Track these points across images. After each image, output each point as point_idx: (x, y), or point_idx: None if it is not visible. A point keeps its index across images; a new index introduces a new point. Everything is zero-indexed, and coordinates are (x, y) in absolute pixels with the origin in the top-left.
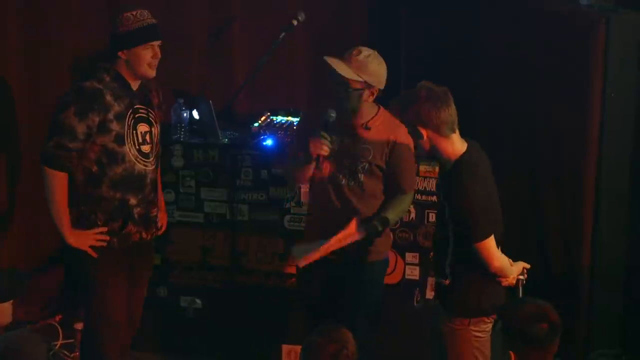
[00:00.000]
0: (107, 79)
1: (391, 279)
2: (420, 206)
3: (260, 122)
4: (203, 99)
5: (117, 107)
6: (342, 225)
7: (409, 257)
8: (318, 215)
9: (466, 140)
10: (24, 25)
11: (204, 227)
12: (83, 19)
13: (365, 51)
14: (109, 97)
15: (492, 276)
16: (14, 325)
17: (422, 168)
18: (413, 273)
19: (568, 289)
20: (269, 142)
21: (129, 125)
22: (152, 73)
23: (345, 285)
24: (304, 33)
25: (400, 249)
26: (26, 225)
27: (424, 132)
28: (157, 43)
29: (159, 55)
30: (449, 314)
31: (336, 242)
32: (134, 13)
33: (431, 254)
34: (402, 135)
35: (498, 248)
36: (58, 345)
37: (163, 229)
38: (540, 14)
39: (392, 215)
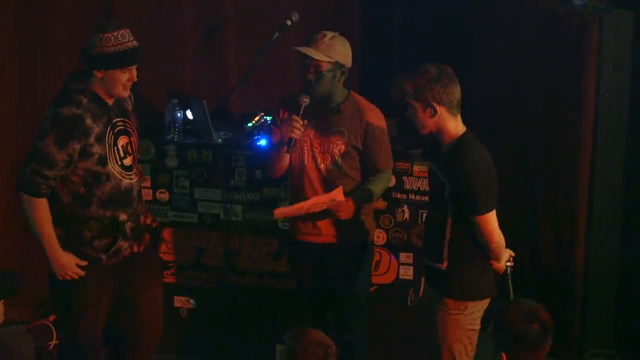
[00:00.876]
0: (85, 101)
1: (385, 279)
2: (414, 206)
3: (254, 122)
4: (197, 99)
5: (97, 129)
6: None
7: (403, 257)
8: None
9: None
10: (18, 26)
11: (197, 227)
12: (76, 20)
13: (329, 34)
14: (88, 121)
15: (487, 259)
16: (6, 325)
17: (416, 168)
18: (407, 273)
19: (562, 289)
20: (262, 142)
21: (109, 144)
22: (125, 94)
23: (332, 268)
24: (298, 33)
25: (394, 249)
26: (18, 225)
27: (438, 108)
28: (135, 66)
29: (135, 79)
30: (445, 298)
31: (319, 201)
32: (115, 34)
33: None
34: (375, 116)
35: None
36: (52, 346)
37: (154, 224)
38: (534, 14)
39: (375, 188)
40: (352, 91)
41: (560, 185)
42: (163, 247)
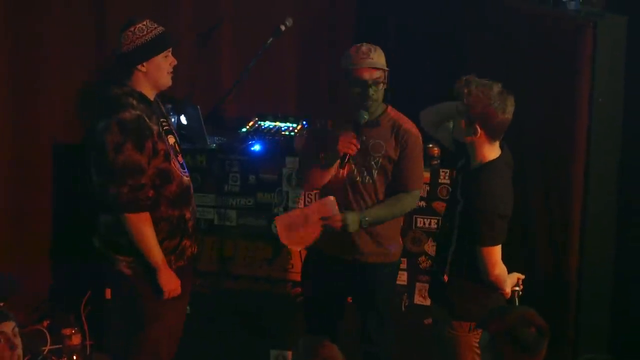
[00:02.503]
0: (135, 102)
1: None
2: (409, 212)
3: (248, 127)
4: (191, 104)
5: (155, 127)
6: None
7: None
8: None
9: (502, 145)
10: (10, 27)
11: None
12: (69, 23)
13: (371, 45)
14: (147, 120)
15: (489, 285)
16: None
17: None
18: (401, 278)
19: (556, 294)
20: (257, 147)
21: (166, 141)
22: (170, 81)
23: (352, 287)
24: (292, 38)
25: None
26: (15, 228)
27: (479, 130)
28: (170, 50)
29: (175, 62)
30: (450, 318)
31: (315, 211)
32: (144, 23)
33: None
34: (413, 133)
35: None
36: (46, 351)
37: None
38: (528, 19)
39: (384, 209)
40: (389, 105)
41: (555, 192)
42: None
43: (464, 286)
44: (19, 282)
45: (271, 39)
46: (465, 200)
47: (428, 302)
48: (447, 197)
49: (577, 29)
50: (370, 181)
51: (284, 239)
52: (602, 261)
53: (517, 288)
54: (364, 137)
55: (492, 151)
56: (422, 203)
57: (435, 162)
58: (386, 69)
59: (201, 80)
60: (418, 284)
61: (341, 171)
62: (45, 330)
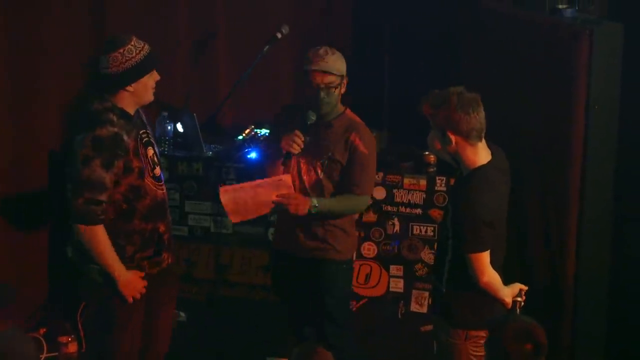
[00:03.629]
0: (115, 118)
1: (376, 292)
2: (404, 219)
3: (244, 135)
4: (187, 112)
5: (132, 143)
6: (302, 220)
7: (393, 269)
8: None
9: (494, 149)
10: (8, 30)
11: (188, 240)
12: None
13: (329, 49)
14: (125, 138)
15: (483, 291)
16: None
17: (406, 181)
18: (397, 286)
19: (553, 300)
20: (253, 155)
21: (143, 156)
22: (152, 97)
23: (308, 285)
24: (288, 46)
25: (385, 261)
26: (8, 237)
27: (452, 137)
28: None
29: (159, 78)
30: (447, 325)
31: (264, 182)
32: (132, 44)
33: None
34: (365, 140)
35: (499, 274)
36: (42, 359)
37: None
38: (524, 26)
39: (335, 203)
40: (348, 109)
41: (551, 197)
42: None
43: (461, 294)
44: (14, 290)
45: (267, 47)
46: (452, 207)
47: (424, 310)
48: (443, 205)
49: (574, 37)
50: (317, 180)
51: (227, 209)
52: (599, 267)
53: (519, 299)
54: (315, 138)
55: (477, 155)
56: (419, 210)
57: (432, 169)
58: (341, 74)
59: (197, 88)
60: (414, 292)
61: (287, 169)
62: (42, 338)
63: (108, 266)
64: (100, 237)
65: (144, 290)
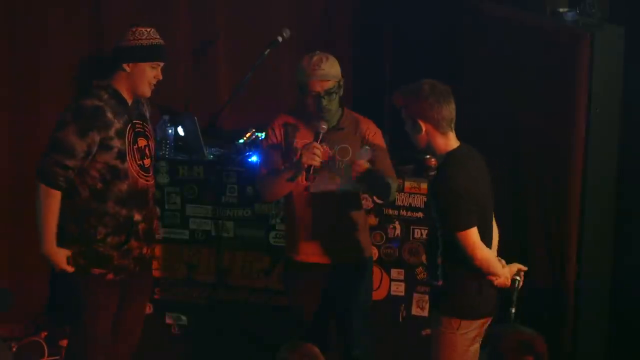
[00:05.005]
0: (105, 96)
1: (377, 295)
2: (405, 222)
3: (245, 138)
4: (188, 116)
5: (117, 124)
6: (342, 226)
7: (394, 273)
8: (310, 223)
9: (461, 143)
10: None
11: (189, 244)
12: (68, 35)
13: (323, 54)
14: (109, 115)
15: (483, 275)
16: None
17: (407, 184)
18: (398, 289)
19: (554, 304)
20: (254, 158)
21: (129, 141)
22: (149, 93)
23: (338, 288)
24: (289, 49)
25: (386, 265)
26: (7, 241)
27: (423, 126)
28: (162, 64)
29: (160, 77)
30: (438, 315)
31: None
32: (148, 30)
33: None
34: (372, 125)
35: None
36: None
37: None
38: (526, 30)
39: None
40: (345, 107)
41: (552, 201)
42: (154, 264)
43: (454, 283)
44: (12, 295)
45: (268, 50)
46: (433, 197)
47: (426, 313)
48: None
49: (575, 40)
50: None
51: None
52: (599, 271)
53: (517, 277)
54: (331, 144)
55: (447, 141)
56: (420, 214)
57: (433, 172)
58: (339, 77)
59: (198, 91)
60: (415, 295)
61: (312, 183)
62: (43, 342)
63: (43, 233)
64: (52, 202)
65: (65, 267)
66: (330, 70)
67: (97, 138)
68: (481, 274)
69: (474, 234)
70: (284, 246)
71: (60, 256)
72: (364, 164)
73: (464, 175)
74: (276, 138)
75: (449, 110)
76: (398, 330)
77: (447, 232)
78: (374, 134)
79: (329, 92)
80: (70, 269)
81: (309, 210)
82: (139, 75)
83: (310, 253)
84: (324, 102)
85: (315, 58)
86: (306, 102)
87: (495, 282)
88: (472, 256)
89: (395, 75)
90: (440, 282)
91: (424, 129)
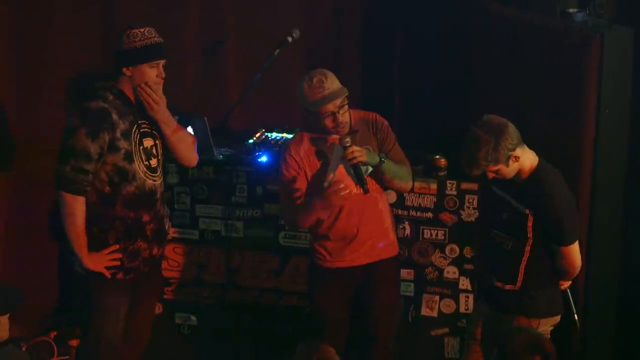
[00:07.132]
0: (111, 97)
1: None
2: (415, 222)
3: (255, 138)
4: (198, 116)
5: (122, 125)
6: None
7: (404, 273)
8: (340, 231)
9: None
10: (15, 42)
11: (198, 244)
12: (77, 35)
13: (318, 73)
14: (115, 116)
15: (556, 280)
16: (10, 340)
17: (417, 185)
18: (408, 289)
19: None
20: (264, 158)
21: (135, 142)
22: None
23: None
24: (299, 49)
25: None
26: (20, 240)
27: (516, 154)
28: (162, 62)
29: (164, 75)
30: (517, 316)
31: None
32: (142, 30)
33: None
34: (379, 118)
35: None
36: None
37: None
38: (535, 31)
39: (394, 165)
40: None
41: None
42: (164, 264)
43: (540, 290)
44: (22, 291)
45: (278, 51)
46: (536, 211)
47: (435, 314)
48: (454, 208)
49: (584, 41)
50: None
51: None
52: (608, 272)
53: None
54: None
55: (530, 156)
56: (429, 214)
57: (442, 173)
58: (342, 89)
59: (208, 91)
60: (425, 295)
61: (363, 186)
62: (52, 342)
63: (73, 240)
64: (79, 208)
65: (110, 263)
66: (333, 86)
67: (106, 138)
68: (557, 277)
69: (577, 247)
70: (308, 249)
71: (96, 261)
72: (358, 151)
73: (564, 188)
74: (296, 166)
75: (513, 128)
76: (407, 331)
77: (547, 242)
78: (383, 125)
79: (341, 106)
80: (107, 273)
81: (339, 215)
82: (139, 77)
83: (340, 259)
84: (340, 117)
85: (315, 81)
86: (322, 124)
87: (563, 287)
88: (572, 268)
89: (405, 76)
90: (518, 286)
91: (520, 156)
